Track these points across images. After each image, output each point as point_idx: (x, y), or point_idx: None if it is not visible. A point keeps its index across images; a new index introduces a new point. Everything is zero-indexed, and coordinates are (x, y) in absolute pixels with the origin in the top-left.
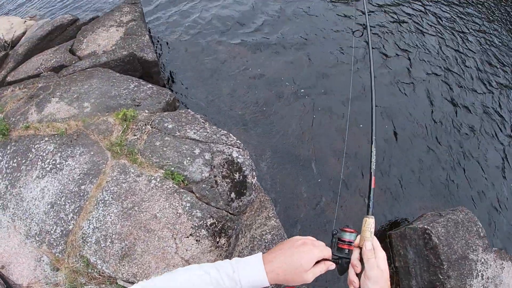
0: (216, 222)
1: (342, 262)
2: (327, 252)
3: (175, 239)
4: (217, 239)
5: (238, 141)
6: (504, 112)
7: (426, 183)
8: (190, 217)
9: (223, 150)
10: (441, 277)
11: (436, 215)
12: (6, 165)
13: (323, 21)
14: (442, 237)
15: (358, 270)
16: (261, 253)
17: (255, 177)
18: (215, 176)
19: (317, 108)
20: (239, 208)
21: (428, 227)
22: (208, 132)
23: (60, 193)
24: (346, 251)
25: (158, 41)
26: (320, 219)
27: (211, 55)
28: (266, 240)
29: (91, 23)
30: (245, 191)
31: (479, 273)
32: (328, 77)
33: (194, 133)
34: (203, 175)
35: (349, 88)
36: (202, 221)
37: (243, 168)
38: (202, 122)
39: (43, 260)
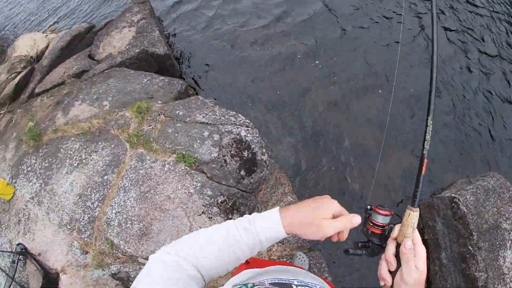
0: (227, 200)
1: (372, 246)
2: (345, 210)
3: (188, 217)
4: (230, 216)
5: (247, 120)
6: None
7: (463, 151)
8: (201, 196)
9: (231, 130)
10: (471, 249)
11: (466, 182)
12: (40, 166)
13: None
14: (471, 205)
15: (393, 268)
16: (278, 207)
17: (266, 154)
18: (224, 156)
19: (351, 86)
20: (251, 185)
21: (456, 196)
22: (216, 115)
23: (86, 185)
24: (371, 233)
25: (172, 35)
26: (343, 197)
27: (226, 44)
28: None
29: (106, 27)
30: (255, 168)
31: None
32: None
33: (203, 117)
34: (212, 155)
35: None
36: (212, 199)
37: (252, 146)
38: (211, 106)
39: (74, 245)
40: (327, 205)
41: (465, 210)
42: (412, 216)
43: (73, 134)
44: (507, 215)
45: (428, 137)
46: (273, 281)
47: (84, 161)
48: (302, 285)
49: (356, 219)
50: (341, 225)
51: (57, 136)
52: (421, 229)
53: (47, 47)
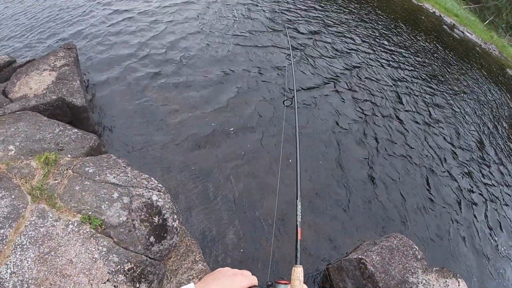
0: (135, 267)
1: None
2: (254, 280)
3: (91, 285)
4: (137, 285)
5: (160, 185)
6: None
7: (362, 215)
8: (106, 262)
9: (143, 193)
10: None
11: (371, 244)
12: None
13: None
14: (378, 264)
15: None
16: (193, 283)
17: (177, 220)
18: (133, 220)
19: (249, 151)
20: (160, 252)
21: (363, 257)
22: (128, 176)
23: None
24: None
25: (92, 85)
26: (249, 263)
27: (142, 100)
28: None
29: (26, 65)
30: (165, 234)
31: None
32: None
33: (114, 177)
34: (120, 219)
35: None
36: (119, 266)
37: (163, 211)
38: (124, 166)
39: None
40: (238, 284)
41: (373, 270)
42: (297, 271)
43: None
44: (412, 270)
45: (299, 213)
46: None
47: None
48: None
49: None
50: None
51: None
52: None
53: None
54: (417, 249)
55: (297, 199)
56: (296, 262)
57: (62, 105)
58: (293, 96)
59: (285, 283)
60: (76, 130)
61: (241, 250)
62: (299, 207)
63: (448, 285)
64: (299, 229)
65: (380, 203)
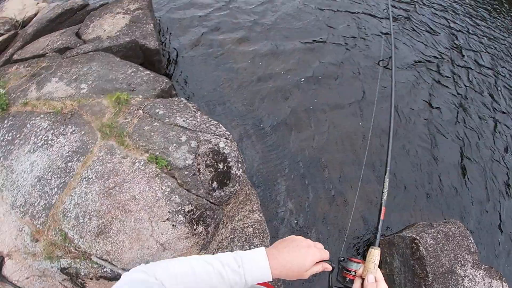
0: (195, 210)
1: None
2: (326, 254)
3: (151, 222)
4: (194, 227)
5: (227, 132)
6: None
7: (424, 194)
8: (168, 202)
9: (210, 139)
10: None
11: (428, 226)
12: (2, 138)
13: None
14: (431, 248)
15: None
16: (263, 248)
17: (241, 169)
18: (198, 164)
19: (331, 116)
20: (220, 197)
21: (417, 237)
22: (197, 121)
23: (48, 168)
24: (348, 279)
25: (165, 30)
26: (315, 232)
27: (216, 50)
28: (247, 233)
29: (99, 9)
30: (228, 181)
31: None
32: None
33: (183, 120)
34: (186, 162)
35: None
36: (180, 207)
37: (228, 159)
38: (194, 111)
39: (24, 231)
40: (312, 258)
41: (424, 252)
42: (374, 253)
43: (43, 111)
44: (462, 262)
45: (385, 190)
46: None
47: (49, 142)
48: None
49: (328, 268)
50: (316, 270)
51: (26, 110)
52: (379, 264)
53: (35, 15)
54: (472, 241)
55: (385, 174)
56: (374, 244)
57: (135, 47)
58: (390, 56)
59: (359, 262)
60: (148, 72)
61: (308, 216)
62: (386, 183)
63: (492, 286)
64: (383, 208)
65: (449, 187)
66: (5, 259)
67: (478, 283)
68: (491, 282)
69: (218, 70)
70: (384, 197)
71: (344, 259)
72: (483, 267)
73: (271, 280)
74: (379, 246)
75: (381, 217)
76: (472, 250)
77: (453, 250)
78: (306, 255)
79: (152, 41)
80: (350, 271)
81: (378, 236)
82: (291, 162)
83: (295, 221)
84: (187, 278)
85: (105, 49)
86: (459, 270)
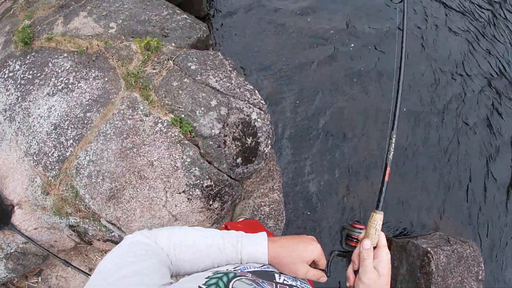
0: (213, 185)
1: (349, 257)
2: (324, 260)
3: (166, 192)
4: (210, 202)
5: (262, 101)
6: None
7: (449, 198)
8: (187, 174)
9: (242, 108)
10: None
11: (444, 240)
12: (22, 76)
13: None
14: (441, 267)
15: (355, 267)
16: (265, 232)
17: (269, 146)
18: (225, 136)
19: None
20: (242, 174)
21: (431, 251)
22: (232, 84)
23: (65, 116)
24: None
25: None
26: (327, 205)
27: (265, 8)
28: (263, 213)
29: None
30: (253, 158)
31: None
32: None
33: (216, 81)
34: (213, 131)
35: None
36: (199, 181)
37: (259, 134)
38: (229, 70)
39: (36, 182)
40: (311, 251)
41: (434, 269)
42: (375, 217)
43: (68, 49)
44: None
45: (391, 149)
46: (255, 269)
47: (70, 86)
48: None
49: (323, 279)
50: (311, 275)
51: (49, 46)
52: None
53: None
54: (483, 268)
55: (392, 129)
56: (376, 207)
57: None
58: None
59: (361, 228)
60: (185, 16)
61: (328, 183)
62: (393, 140)
63: None
64: (388, 168)
65: (480, 203)
66: (15, 207)
67: None
68: None
69: (266, 30)
70: (390, 156)
71: (347, 227)
72: None
73: (267, 263)
74: (381, 210)
75: (386, 178)
76: (480, 277)
77: (462, 274)
78: (307, 244)
79: None
80: (353, 238)
81: (382, 198)
82: (323, 141)
83: (311, 190)
84: (187, 249)
85: None
86: None
